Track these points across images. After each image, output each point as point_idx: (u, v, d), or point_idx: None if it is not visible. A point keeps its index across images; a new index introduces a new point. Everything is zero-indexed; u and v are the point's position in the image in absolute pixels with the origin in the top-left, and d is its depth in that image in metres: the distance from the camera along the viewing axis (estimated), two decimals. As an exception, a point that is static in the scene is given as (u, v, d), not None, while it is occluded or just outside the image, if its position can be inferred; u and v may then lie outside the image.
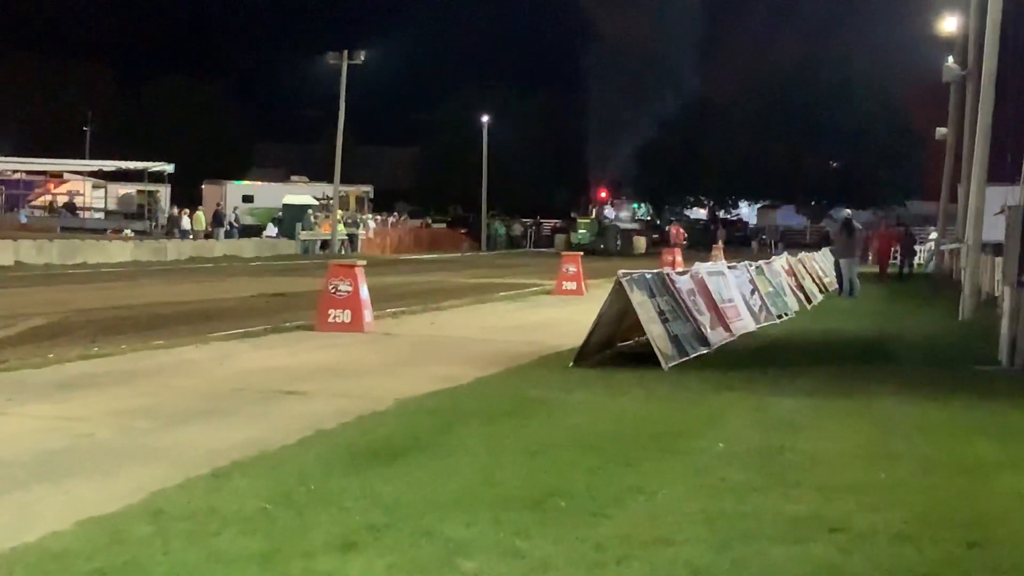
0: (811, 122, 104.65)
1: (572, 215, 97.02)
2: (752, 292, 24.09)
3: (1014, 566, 6.76)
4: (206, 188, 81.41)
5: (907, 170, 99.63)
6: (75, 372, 14.37)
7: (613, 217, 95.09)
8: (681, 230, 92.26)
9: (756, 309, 23.50)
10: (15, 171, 76.17)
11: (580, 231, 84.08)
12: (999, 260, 21.88)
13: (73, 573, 6.14)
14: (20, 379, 13.63)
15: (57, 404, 11.84)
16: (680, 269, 22.34)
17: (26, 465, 8.94)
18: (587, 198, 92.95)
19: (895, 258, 52.53)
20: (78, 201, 72.46)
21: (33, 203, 70.79)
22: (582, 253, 38.51)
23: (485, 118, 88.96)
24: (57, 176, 76.15)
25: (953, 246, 44.93)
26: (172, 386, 13.42)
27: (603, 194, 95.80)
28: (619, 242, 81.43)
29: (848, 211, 45.25)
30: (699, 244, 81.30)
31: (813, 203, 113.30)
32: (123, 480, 8.36)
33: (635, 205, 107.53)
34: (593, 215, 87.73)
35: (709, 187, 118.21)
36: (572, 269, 33.89)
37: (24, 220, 64.19)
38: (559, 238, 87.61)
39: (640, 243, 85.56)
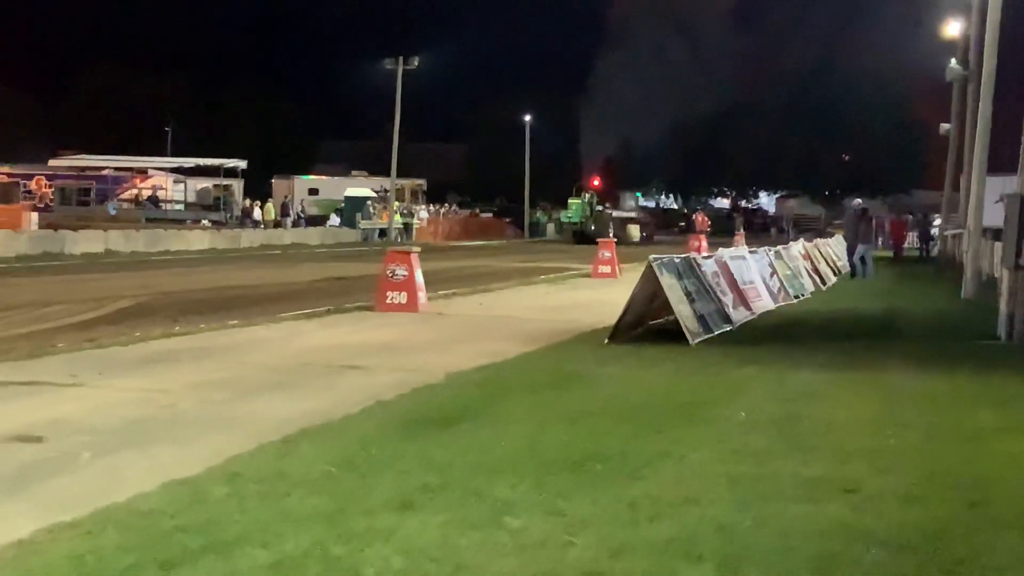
0: (825, 118, 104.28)
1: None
2: (771, 274, 24.04)
3: (1012, 523, 6.72)
4: (276, 182, 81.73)
5: (912, 161, 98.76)
6: (158, 349, 14.46)
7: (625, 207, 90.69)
8: (706, 217, 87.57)
9: (775, 290, 23.45)
10: (104, 168, 76.64)
11: (569, 211, 78.50)
12: (998, 244, 21.75)
13: (158, 530, 6.18)
14: (109, 355, 13.75)
15: (142, 378, 11.91)
16: (705, 254, 22.24)
17: (115, 432, 9.02)
18: (578, 184, 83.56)
19: (912, 243, 52.95)
20: (161, 195, 72.77)
21: (121, 197, 71.10)
22: (617, 242, 38.50)
23: (528, 117, 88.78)
24: (142, 172, 76.50)
25: (956, 232, 44.61)
26: (245, 362, 13.49)
27: (595, 182, 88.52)
28: (612, 229, 71.69)
29: (859, 200, 45.08)
30: (722, 231, 77.24)
31: (827, 193, 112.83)
32: (202, 446, 8.41)
33: (637, 195, 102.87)
34: (585, 199, 79.03)
35: (731, 178, 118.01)
36: (607, 254, 33.91)
37: (113, 212, 64.51)
38: (550, 227, 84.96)
39: (634, 231, 77.49)
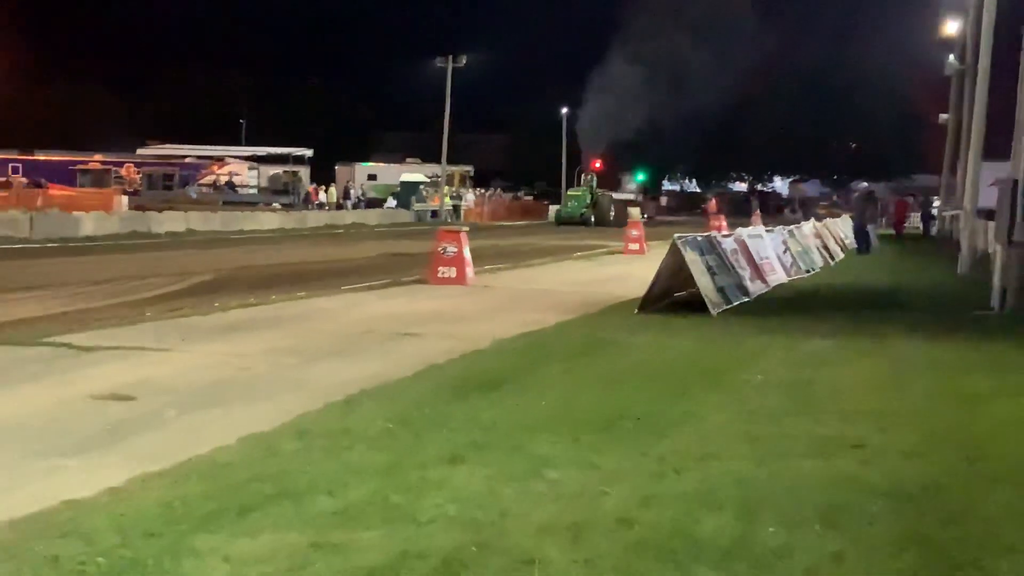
0: (834, 108, 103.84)
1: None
2: (785, 251, 24.01)
3: (1005, 476, 6.69)
4: (339, 169, 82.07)
5: (913, 148, 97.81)
6: (235, 318, 14.55)
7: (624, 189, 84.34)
8: (718, 201, 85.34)
9: (788, 265, 23.40)
10: (186, 156, 77.22)
11: (569, 204, 70.03)
12: (991, 224, 21.64)
13: (235, 480, 6.23)
14: (192, 324, 13.84)
15: (221, 344, 11.98)
16: (725, 232, 22.19)
17: (197, 392, 9.08)
18: (580, 169, 76.67)
19: (913, 222, 52.97)
20: (236, 180, 73.14)
21: (201, 182, 71.51)
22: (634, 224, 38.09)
23: (564, 109, 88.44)
24: (220, 160, 76.97)
25: (953, 212, 44.47)
26: (312, 329, 13.55)
27: (597, 164, 79.09)
28: (612, 213, 67.35)
29: (865, 184, 45.00)
30: (741, 213, 73.88)
31: (835, 177, 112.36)
32: (275, 405, 8.46)
33: (636, 178, 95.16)
34: (588, 184, 71.45)
35: (748, 164, 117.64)
36: (635, 233, 34.01)
37: (194, 196, 64.88)
38: (552, 211, 75.51)
39: (635, 213, 68.39)
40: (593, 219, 65.31)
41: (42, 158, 72.80)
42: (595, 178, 73.00)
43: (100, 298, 17.61)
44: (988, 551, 5.28)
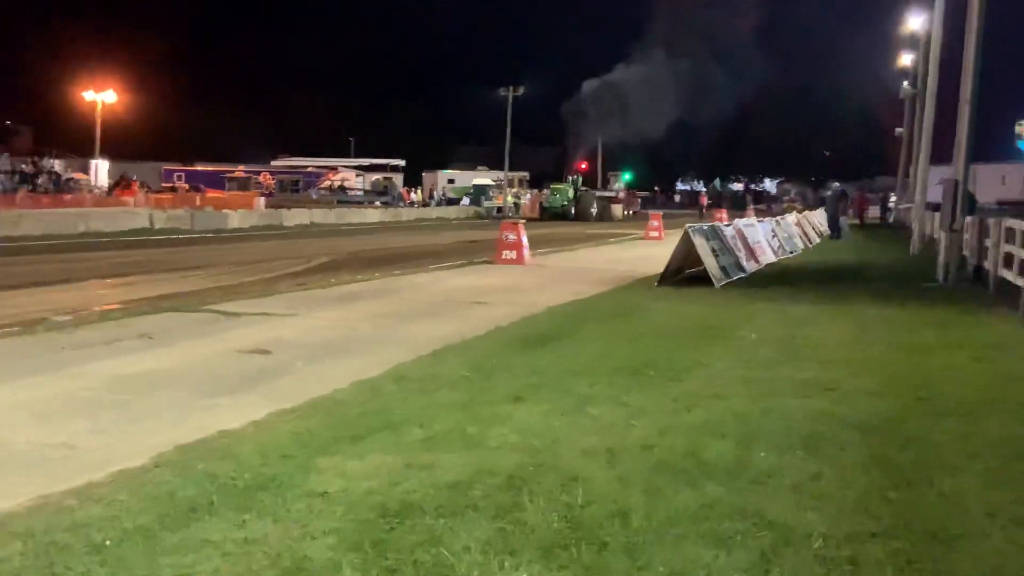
0: (812, 123, 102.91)
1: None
2: (773, 236, 23.84)
3: (949, 411, 6.61)
4: (425, 175, 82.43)
5: (875, 155, 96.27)
6: (346, 291, 14.65)
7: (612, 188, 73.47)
8: (706, 198, 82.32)
9: (776, 248, 23.20)
10: (308, 166, 77.92)
11: (552, 196, 60.82)
12: (937, 214, 21.53)
13: (348, 415, 6.28)
14: (314, 295, 13.95)
15: (336, 310, 12.08)
16: (726, 223, 22.04)
17: (319, 347, 9.16)
18: (567, 168, 68.48)
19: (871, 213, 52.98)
20: (347, 184, 73.59)
21: (320, 186, 72.00)
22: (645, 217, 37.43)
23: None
24: (334, 169, 77.56)
25: (906, 205, 44.05)
26: (406, 299, 13.61)
27: (583, 166, 72.06)
28: (595, 209, 59.01)
29: (837, 184, 44.57)
30: (737, 207, 70.82)
31: (813, 179, 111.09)
32: (378, 357, 8.50)
33: (622, 177, 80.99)
34: (570, 181, 62.34)
35: (744, 167, 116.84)
36: (655, 223, 33.82)
37: (315, 197, 65.35)
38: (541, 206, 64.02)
39: (616, 211, 62.75)
40: (574, 213, 57.57)
41: (200, 168, 73.65)
42: (580, 177, 64.76)
43: (244, 275, 17.82)
44: (936, 469, 5.22)
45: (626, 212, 66.23)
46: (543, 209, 59.00)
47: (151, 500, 4.54)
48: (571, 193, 59.73)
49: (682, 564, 3.86)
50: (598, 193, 64.83)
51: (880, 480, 5.03)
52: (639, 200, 77.44)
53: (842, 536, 4.20)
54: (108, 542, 4.01)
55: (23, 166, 47.95)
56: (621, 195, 68.70)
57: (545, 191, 67.58)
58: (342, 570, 3.75)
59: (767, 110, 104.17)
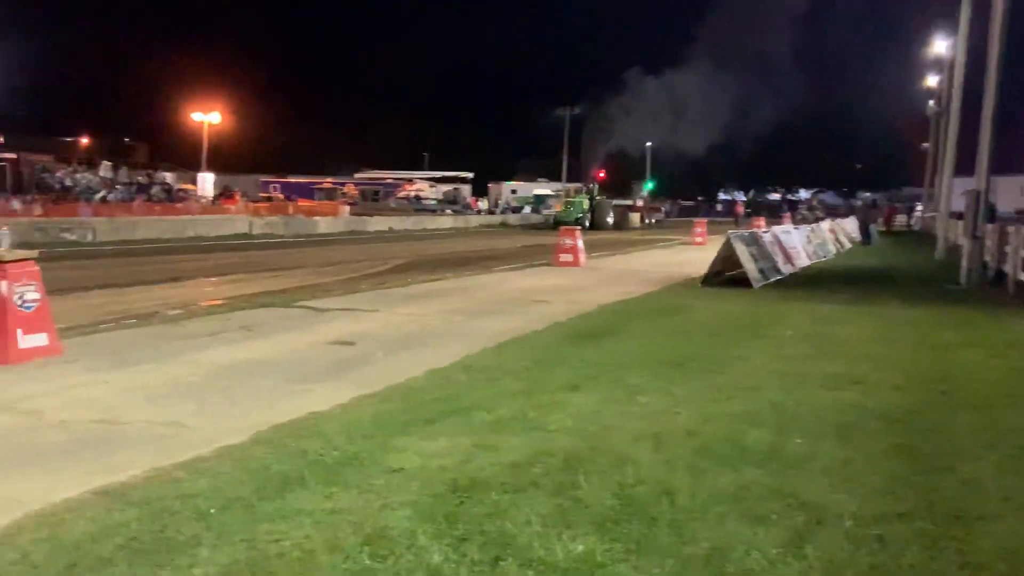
0: (846, 137, 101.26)
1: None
2: (808, 242, 23.48)
3: (967, 405, 6.46)
4: (491, 186, 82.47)
5: (903, 168, 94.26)
6: (421, 289, 14.74)
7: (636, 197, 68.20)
8: (741, 207, 75.57)
9: (810, 252, 22.84)
10: (388, 178, 78.58)
11: (566, 209, 52.05)
12: (960, 222, 21.02)
13: (423, 399, 6.31)
14: (390, 293, 14.07)
15: (412, 307, 12.13)
16: (764, 229, 21.77)
17: (397, 339, 9.22)
18: (587, 177, 59.56)
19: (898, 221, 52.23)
20: (421, 194, 74.07)
21: (397, 195, 72.60)
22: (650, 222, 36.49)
23: (648, 143, 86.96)
24: (410, 180, 78.12)
25: (931, 214, 43.22)
26: (473, 297, 13.65)
27: (601, 174, 63.46)
28: (612, 218, 52.29)
29: (868, 194, 44.01)
30: (774, 216, 70.69)
31: (845, 189, 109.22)
32: (449, 349, 8.55)
33: (645, 185, 77.00)
34: (588, 191, 54.97)
35: (781, 178, 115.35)
36: (700, 230, 33.51)
37: (393, 205, 65.92)
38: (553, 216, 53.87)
39: (634, 219, 56.76)
40: (589, 223, 49.54)
41: (292, 180, 74.66)
42: (596, 186, 57.51)
43: (330, 275, 18.02)
44: (956, 457, 5.12)
45: (647, 221, 60.85)
46: (556, 221, 48.26)
47: (250, 473, 4.61)
48: (585, 204, 52.13)
49: (723, 539, 3.83)
50: (615, 201, 58.49)
51: (905, 466, 4.93)
52: (661, 209, 72.22)
53: (871, 516, 4.13)
54: (213, 510, 4.09)
55: (139, 178, 48.98)
56: (640, 203, 63.57)
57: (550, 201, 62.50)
58: (417, 538, 3.78)
59: (804, 126, 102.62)
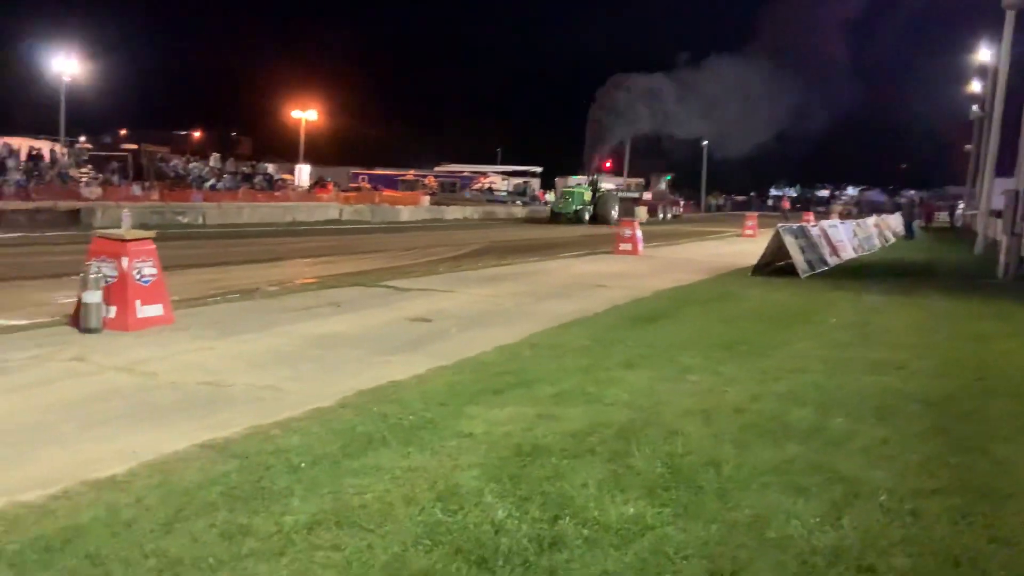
0: (892, 138, 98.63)
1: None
2: (854, 236, 22.96)
3: (1002, 391, 6.25)
4: (557, 180, 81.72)
5: (945, 168, 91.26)
6: (493, 273, 14.78)
7: (657, 186, 59.73)
8: (787, 202, 72.56)
9: (855, 246, 22.32)
10: (464, 171, 78.87)
11: (564, 201, 44.12)
12: (999, 220, 20.34)
13: (492, 372, 6.35)
14: (465, 276, 14.14)
15: (484, 288, 12.19)
16: (812, 223, 21.30)
17: (469, 318, 9.27)
18: (593, 167, 50.01)
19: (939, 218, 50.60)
20: (494, 187, 74.08)
21: (472, 188, 72.74)
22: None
23: (705, 142, 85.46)
24: (484, 174, 78.25)
25: (972, 212, 41.85)
26: (540, 281, 13.65)
27: (608, 164, 56.74)
28: (616, 212, 43.03)
29: (913, 192, 42.79)
30: (821, 211, 67.83)
31: (891, 187, 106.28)
32: (516, 327, 8.57)
33: (666, 177, 68.38)
34: (592, 181, 46.79)
35: (829, 176, 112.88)
36: (751, 223, 32.93)
37: (468, 196, 66.04)
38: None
39: (641, 213, 45.90)
40: (589, 216, 42.83)
41: (378, 171, 75.30)
42: (599, 176, 49.71)
43: (411, 259, 18.19)
44: (990, 440, 4.95)
45: (664, 215, 53.04)
46: (553, 214, 43.75)
47: (336, 433, 4.70)
48: (587, 196, 44.26)
49: (765, 508, 3.78)
50: (621, 193, 49.69)
51: (940, 447, 4.80)
52: (679, 203, 62.79)
53: (905, 492, 4.03)
54: (303, 464, 4.18)
55: (244, 168, 49.97)
56: (647, 196, 54.75)
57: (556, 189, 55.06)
58: (484, 496, 3.81)
59: (853, 126, 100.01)
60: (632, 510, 3.69)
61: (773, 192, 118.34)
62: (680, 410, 5.38)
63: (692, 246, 26.10)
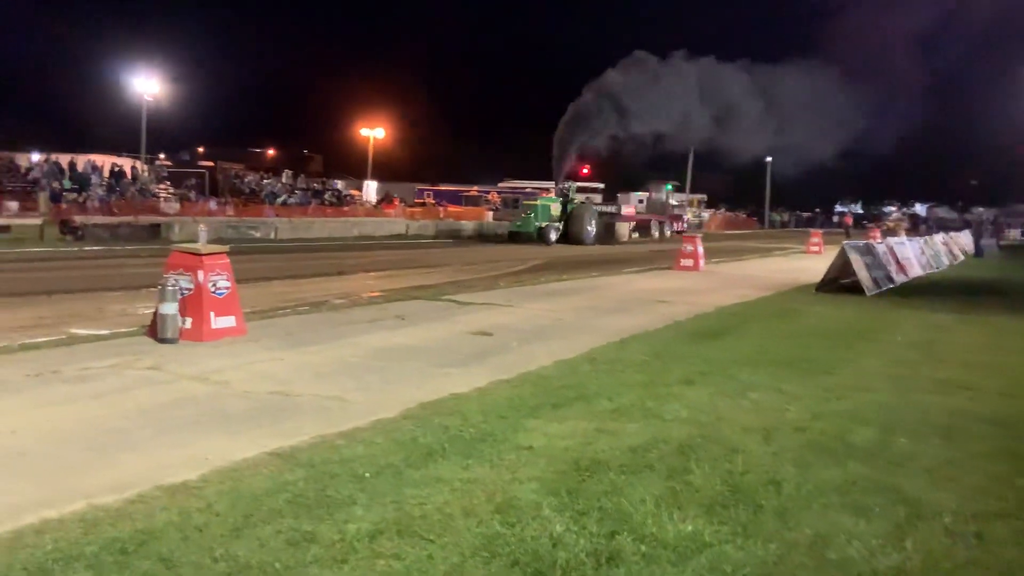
0: (961, 155, 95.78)
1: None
2: (921, 253, 22.28)
3: (1077, 414, 6.02)
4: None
5: (1019, 183, 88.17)
6: (554, 287, 14.77)
7: (657, 198, 50.86)
8: (850, 218, 68.84)
9: (923, 264, 21.66)
10: (527, 187, 78.72)
11: (524, 218, 34.62)
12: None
13: (551, 387, 6.34)
14: (528, 290, 14.15)
15: (545, 303, 12.19)
16: (878, 241, 20.79)
17: (530, 332, 9.27)
18: (561, 174, 42.86)
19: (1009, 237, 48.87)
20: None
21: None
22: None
23: (769, 158, 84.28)
24: (546, 189, 77.70)
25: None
26: (601, 295, 13.59)
27: (585, 170, 47.47)
28: (592, 228, 35.36)
29: (982, 209, 41.47)
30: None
31: (960, 204, 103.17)
32: (576, 342, 8.55)
33: (667, 186, 57.37)
34: (562, 191, 38.38)
35: (897, 192, 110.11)
36: (816, 240, 32.33)
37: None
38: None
39: (622, 230, 38.65)
40: (557, 235, 34.35)
41: (443, 187, 75.98)
42: (573, 185, 41.04)
43: (472, 273, 18.29)
44: (1063, 465, 4.76)
45: (660, 233, 43.91)
46: (510, 233, 34.99)
47: (399, 444, 4.75)
48: (554, 211, 35.51)
49: (826, 528, 3.70)
50: (600, 208, 41.24)
51: (1007, 468, 4.64)
52: (684, 218, 51.48)
53: (970, 514, 3.91)
54: (367, 474, 4.23)
55: (315, 185, 50.99)
56: (631, 211, 45.94)
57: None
58: (542, 509, 3.81)
59: (922, 142, 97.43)
60: (690, 527, 3.65)
61: (838, 208, 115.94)
62: (740, 427, 5.30)
63: (755, 262, 25.70)
